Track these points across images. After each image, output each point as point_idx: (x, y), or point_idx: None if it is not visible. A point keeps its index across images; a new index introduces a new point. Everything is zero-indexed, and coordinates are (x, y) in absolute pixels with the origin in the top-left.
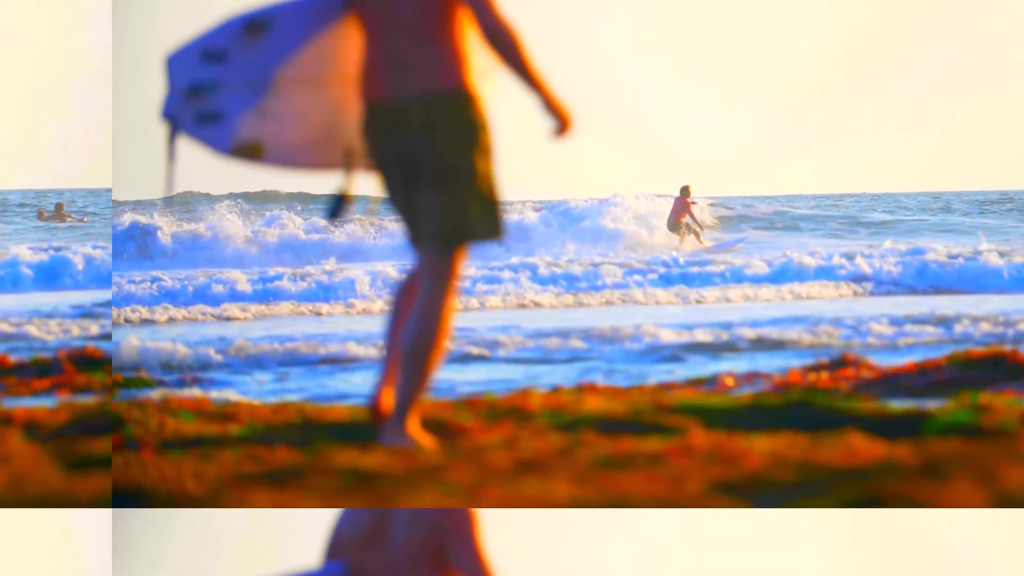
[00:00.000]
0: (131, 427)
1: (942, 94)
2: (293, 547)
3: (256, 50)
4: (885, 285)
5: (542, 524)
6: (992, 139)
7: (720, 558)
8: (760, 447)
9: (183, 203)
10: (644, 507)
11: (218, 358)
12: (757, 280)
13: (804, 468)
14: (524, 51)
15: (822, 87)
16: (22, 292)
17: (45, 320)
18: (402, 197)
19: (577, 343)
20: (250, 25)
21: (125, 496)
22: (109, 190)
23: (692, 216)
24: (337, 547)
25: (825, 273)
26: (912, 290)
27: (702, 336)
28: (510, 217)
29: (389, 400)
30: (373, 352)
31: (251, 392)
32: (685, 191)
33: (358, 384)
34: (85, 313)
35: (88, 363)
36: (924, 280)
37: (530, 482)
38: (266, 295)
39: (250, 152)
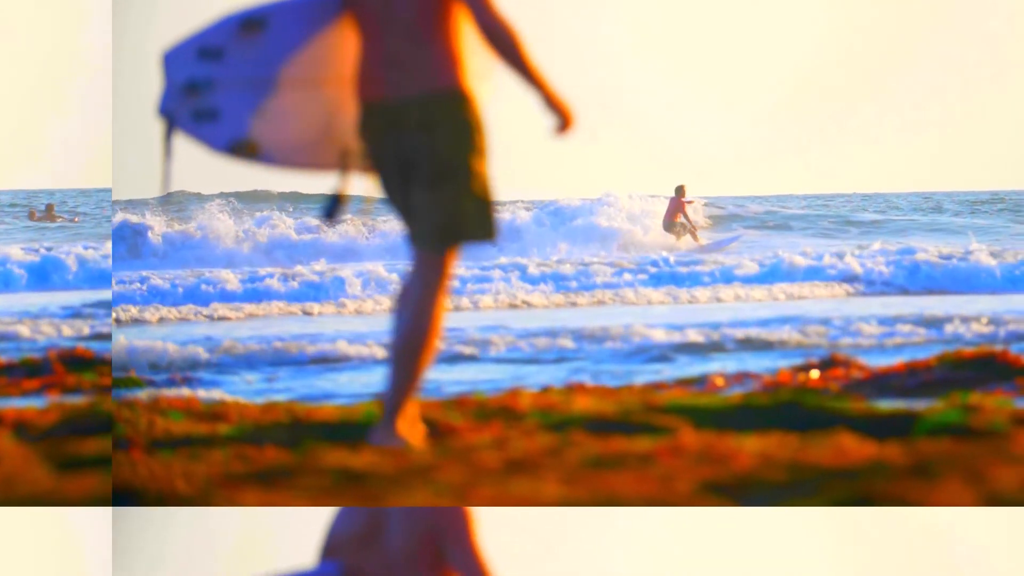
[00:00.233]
0: (121, 427)
1: (941, 94)
2: (291, 546)
3: (252, 48)
4: (876, 285)
5: (532, 523)
6: (988, 140)
7: (710, 557)
8: (750, 447)
9: (175, 202)
10: (634, 507)
11: (207, 357)
12: (748, 280)
13: (794, 468)
14: (523, 48)
15: (820, 87)
16: (14, 293)
17: (35, 320)
18: (400, 197)
19: (567, 343)
20: (246, 23)
21: (117, 495)
22: (100, 190)
23: (686, 215)
24: (333, 547)
25: (816, 273)
26: (903, 290)
27: (692, 336)
28: (502, 217)
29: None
30: (364, 351)
31: (240, 392)
32: (680, 191)
33: (347, 384)
34: (75, 313)
35: (78, 363)
36: (915, 280)
37: (520, 482)
38: (256, 295)
39: (246, 151)
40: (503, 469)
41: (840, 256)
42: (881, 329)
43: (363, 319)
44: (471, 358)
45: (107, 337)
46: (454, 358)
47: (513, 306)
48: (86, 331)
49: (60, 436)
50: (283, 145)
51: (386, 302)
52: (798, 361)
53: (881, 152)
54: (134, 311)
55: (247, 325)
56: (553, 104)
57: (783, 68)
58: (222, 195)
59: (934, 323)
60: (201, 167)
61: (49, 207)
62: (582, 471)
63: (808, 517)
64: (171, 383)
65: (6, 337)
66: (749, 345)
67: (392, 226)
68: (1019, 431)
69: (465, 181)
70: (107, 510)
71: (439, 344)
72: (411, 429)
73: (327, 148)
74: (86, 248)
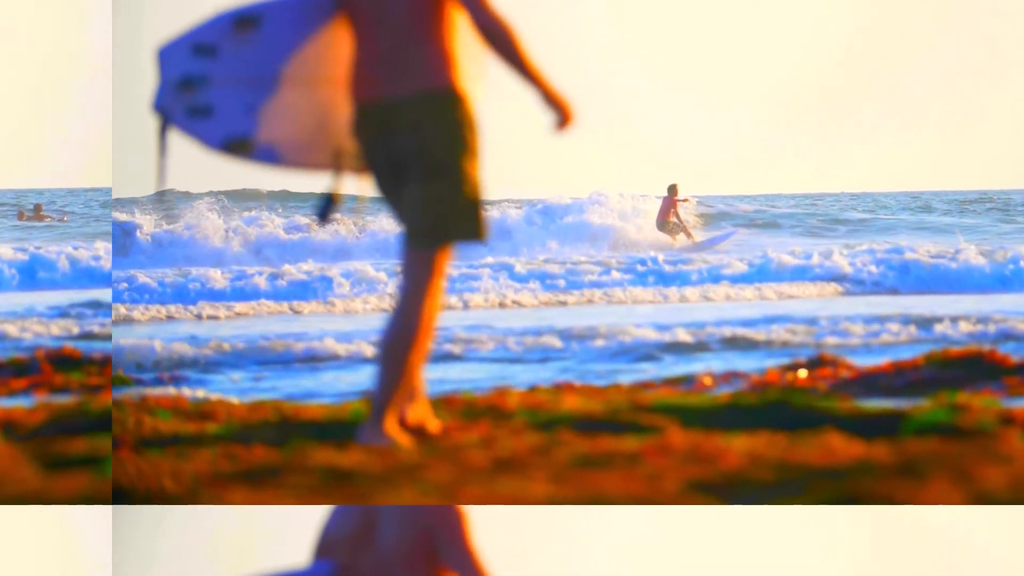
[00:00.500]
0: (113, 425)
1: (933, 95)
2: (287, 545)
3: (246, 46)
4: (866, 285)
5: (520, 522)
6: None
7: (698, 556)
8: (738, 446)
9: (164, 201)
10: (622, 506)
11: (195, 356)
12: (736, 279)
13: (782, 467)
14: (520, 45)
15: (812, 88)
16: (4, 292)
17: (23, 320)
18: (394, 197)
19: (555, 342)
20: (240, 20)
21: (116, 494)
22: (89, 189)
23: (678, 214)
24: (326, 546)
25: (804, 272)
26: (891, 289)
27: (680, 335)
28: (492, 216)
29: (411, 412)
30: (353, 349)
31: (227, 390)
32: (672, 190)
33: (335, 382)
34: (64, 313)
35: (66, 363)
36: (904, 280)
37: (508, 481)
38: (244, 294)
39: (239, 148)
40: (491, 468)
41: (828, 255)
42: (869, 328)
43: (351, 318)
44: (458, 357)
45: (95, 336)
46: (442, 357)
47: (502, 305)
48: (75, 330)
49: (48, 436)
50: (277, 143)
51: (375, 301)
52: (786, 360)
53: (871, 152)
54: (122, 310)
55: (235, 324)
56: (552, 100)
57: (774, 68)
58: (211, 193)
59: (922, 322)
60: (190, 165)
61: (37, 207)
62: (570, 470)
63: (796, 516)
64: (159, 382)
65: None
66: (737, 344)
67: (381, 225)
68: (1006, 430)
69: (455, 181)
70: (107, 508)
71: (430, 343)
72: (427, 422)
73: (321, 148)
74: (76, 248)
